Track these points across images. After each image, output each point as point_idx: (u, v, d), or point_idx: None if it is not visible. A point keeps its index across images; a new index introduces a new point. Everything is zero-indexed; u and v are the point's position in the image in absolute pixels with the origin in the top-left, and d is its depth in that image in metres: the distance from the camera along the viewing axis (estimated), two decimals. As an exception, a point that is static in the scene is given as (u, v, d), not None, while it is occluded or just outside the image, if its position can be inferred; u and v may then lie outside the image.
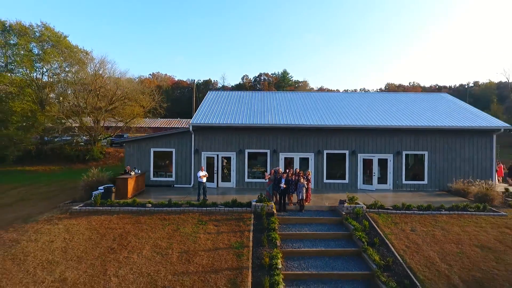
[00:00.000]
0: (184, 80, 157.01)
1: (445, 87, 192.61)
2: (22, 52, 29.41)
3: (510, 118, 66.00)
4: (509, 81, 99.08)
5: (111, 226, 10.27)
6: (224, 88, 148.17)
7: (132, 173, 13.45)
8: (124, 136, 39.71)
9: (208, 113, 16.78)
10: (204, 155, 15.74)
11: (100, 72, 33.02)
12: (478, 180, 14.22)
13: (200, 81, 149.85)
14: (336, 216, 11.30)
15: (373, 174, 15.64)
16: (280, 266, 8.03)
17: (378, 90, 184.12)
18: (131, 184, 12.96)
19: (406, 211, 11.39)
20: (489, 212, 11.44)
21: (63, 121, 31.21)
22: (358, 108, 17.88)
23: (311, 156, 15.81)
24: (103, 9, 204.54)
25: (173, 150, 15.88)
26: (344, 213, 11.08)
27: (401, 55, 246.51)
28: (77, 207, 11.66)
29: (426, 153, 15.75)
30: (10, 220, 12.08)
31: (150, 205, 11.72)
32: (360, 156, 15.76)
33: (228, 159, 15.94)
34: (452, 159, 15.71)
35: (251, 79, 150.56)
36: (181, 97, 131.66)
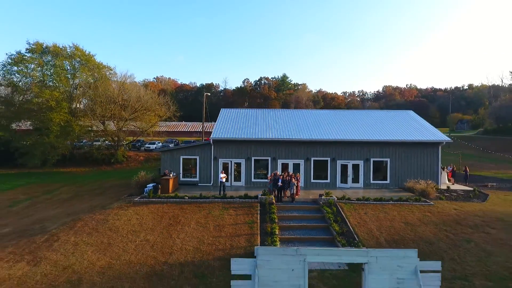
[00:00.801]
0: (187, 83, 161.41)
1: (440, 89, 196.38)
2: (59, 70, 34.41)
3: (495, 122, 71.07)
4: (491, 87, 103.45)
5: (165, 211, 15.37)
6: (225, 91, 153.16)
7: (171, 175, 18.55)
8: (141, 140, 44.80)
9: (223, 129, 21.87)
10: (221, 161, 20.82)
11: (123, 86, 38.05)
12: (425, 180, 19.26)
13: (203, 84, 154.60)
14: (316, 205, 16.37)
15: (348, 175, 20.73)
16: (277, 233, 13.10)
17: (376, 92, 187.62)
18: (171, 183, 18.04)
19: (365, 202, 16.49)
20: (422, 203, 16.53)
21: (91, 127, 36.36)
22: (339, 124, 22.99)
23: (301, 162, 20.89)
24: (104, 11, 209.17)
25: (197, 157, 20.95)
26: (321, 203, 16.15)
27: (398, 58, 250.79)
28: (136, 199, 16.76)
29: (388, 159, 20.84)
30: (88, 209, 17.15)
31: (187, 197, 16.80)
32: (339, 162, 20.85)
33: (239, 164, 21.02)
34: (408, 164, 20.80)
35: (252, 82, 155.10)
36: (185, 100, 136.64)
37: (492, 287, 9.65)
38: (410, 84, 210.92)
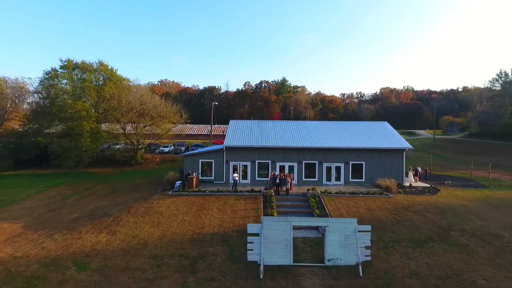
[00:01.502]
0: (190, 86, 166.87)
1: (435, 92, 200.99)
2: (88, 84, 39.88)
3: (478, 126, 76.49)
4: (478, 90, 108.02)
5: (193, 201, 20.86)
6: (227, 93, 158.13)
7: (194, 174, 24.04)
8: (155, 144, 50.17)
9: (232, 138, 27.36)
10: (231, 163, 26.30)
11: (142, 97, 43.55)
12: (390, 179, 24.73)
13: (205, 87, 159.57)
14: (304, 197, 21.84)
15: (332, 175, 26.23)
16: (275, 215, 18.57)
17: (373, 94, 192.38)
18: (194, 181, 23.54)
19: (341, 195, 21.98)
20: (384, 195, 22.02)
21: (115, 132, 41.86)
22: (325, 133, 28.49)
23: (295, 164, 26.37)
24: (107, 14, 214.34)
25: (213, 161, 26.43)
26: (308, 195, 21.62)
27: (396, 60, 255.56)
28: (170, 192, 22.27)
29: (363, 162, 26.33)
30: (133, 200, 22.60)
31: (208, 191, 22.29)
32: (324, 164, 26.34)
33: (246, 166, 26.49)
34: (379, 166, 26.28)
35: (253, 85, 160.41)
36: (188, 102, 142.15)
37: (412, 246, 15.12)
38: (407, 86, 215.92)
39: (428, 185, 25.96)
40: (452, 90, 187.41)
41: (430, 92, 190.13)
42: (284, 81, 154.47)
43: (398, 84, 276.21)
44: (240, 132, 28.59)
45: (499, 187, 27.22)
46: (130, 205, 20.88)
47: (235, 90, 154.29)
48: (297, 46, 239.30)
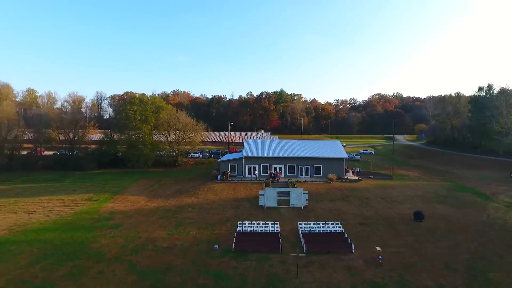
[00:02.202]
0: (199, 96, 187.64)
1: (419, 99, 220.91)
2: (149, 113, 60.19)
3: (431, 134, 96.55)
4: (429, 107, 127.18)
5: (229, 185, 41.20)
6: (231, 101, 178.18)
7: (227, 171, 44.34)
8: (186, 150, 70.31)
9: (248, 151, 47.64)
10: (247, 165, 46.58)
11: (178, 118, 63.83)
12: (335, 174, 44.96)
13: (213, 96, 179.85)
14: (286, 183, 42.14)
15: (303, 172, 46.52)
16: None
17: (364, 101, 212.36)
18: (228, 175, 43.87)
19: (305, 182, 42.33)
20: (328, 183, 42.33)
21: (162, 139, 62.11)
22: (301, 147, 48.79)
23: (283, 166, 46.61)
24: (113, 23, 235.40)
25: (236, 164, 46.70)
26: (288, 182, 41.91)
27: (388, 68, 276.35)
28: (216, 181, 42.67)
29: (321, 165, 46.59)
30: (195, 186, 42.81)
31: (235, 180, 42.62)
32: (299, 166, 46.61)
33: (255, 167, 46.73)
34: (329, 167, 46.50)
35: (254, 95, 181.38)
36: (198, 111, 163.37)
37: (328, 201, 35.26)
38: (396, 93, 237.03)
39: (357, 178, 46.21)
40: (432, 97, 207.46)
41: (414, 100, 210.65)
42: (282, 91, 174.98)
43: (390, 90, 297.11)
44: (251, 148, 48.92)
45: (400, 179, 47.39)
46: (197, 187, 41.18)
47: (238, 97, 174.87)
48: (297, 47, 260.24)
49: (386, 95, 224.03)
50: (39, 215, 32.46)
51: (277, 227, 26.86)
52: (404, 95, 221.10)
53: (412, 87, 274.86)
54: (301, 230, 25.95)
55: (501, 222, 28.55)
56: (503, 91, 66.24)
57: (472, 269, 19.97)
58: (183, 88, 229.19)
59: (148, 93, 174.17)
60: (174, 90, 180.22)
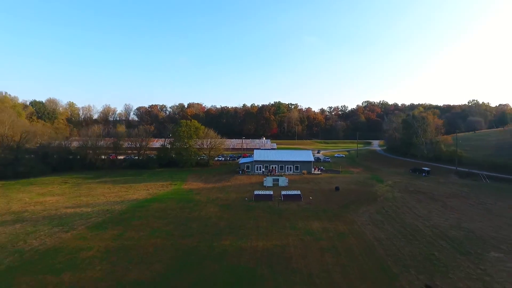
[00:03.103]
0: (210, 107, 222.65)
1: (398, 107, 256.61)
2: (192, 132, 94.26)
3: (388, 142, 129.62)
4: (386, 117, 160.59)
5: (247, 176, 75.16)
6: (238, 111, 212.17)
7: (245, 169, 77.93)
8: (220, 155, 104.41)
9: (257, 156, 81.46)
10: (256, 165, 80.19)
11: (208, 134, 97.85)
12: (306, 170, 78.51)
13: (222, 107, 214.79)
14: (278, 176, 75.80)
15: (288, 169, 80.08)
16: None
17: (351, 110, 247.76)
18: (245, 171, 77.53)
19: (289, 174, 75.98)
20: (301, 175, 75.98)
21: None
22: (286, 154, 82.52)
23: (277, 165, 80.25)
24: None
25: (250, 164, 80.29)
26: (277, 174, 75.56)
27: (375, 79, 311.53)
28: (238, 175, 76.40)
29: (299, 165, 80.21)
30: (226, 177, 76.30)
31: (250, 174, 76.30)
32: (286, 165, 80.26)
33: (260, 166, 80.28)
34: (303, 166, 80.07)
35: (257, 105, 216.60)
36: (210, 121, 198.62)
37: (300, 184, 68.67)
38: (382, 101, 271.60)
39: (319, 173, 79.63)
40: (412, 105, 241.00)
41: (395, 108, 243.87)
42: (279, 103, 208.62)
43: (376, 97, 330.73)
44: (259, 155, 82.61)
45: (345, 173, 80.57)
46: (228, 178, 74.91)
47: (243, 105, 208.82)
48: (296, 50, 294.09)
49: (374, 102, 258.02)
50: (154, 190, 65.80)
51: (271, 192, 60.22)
52: (391, 102, 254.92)
53: (397, 95, 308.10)
54: (282, 193, 59.19)
55: (379, 191, 61.67)
56: (417, 117, 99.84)
57: (347, 205, 53.17)
58: (196, 99, 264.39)
59: (168, 104, 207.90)
60: (189, 103, 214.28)
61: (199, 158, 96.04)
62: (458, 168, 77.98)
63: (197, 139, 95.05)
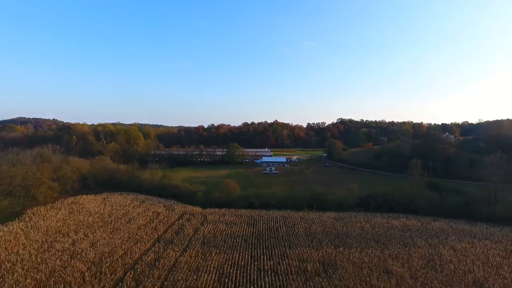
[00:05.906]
0: (233, 125, 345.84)
1: (368, 123, 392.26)
2: (236, 146, 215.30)
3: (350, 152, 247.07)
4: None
5: (261, 168, 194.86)
6: (244, 127, 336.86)
7: (267, 169, 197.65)
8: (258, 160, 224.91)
9: (264, 159, 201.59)
10: (263, 164, 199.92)
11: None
12: (282, 166, 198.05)
13: (240, 124, 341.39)
14: (276, 171, 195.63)
15: (274, 165, 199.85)
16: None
17: (327, 125, 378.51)
18: (271, 172, 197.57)
19: (279, 167, 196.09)
20: (285, 167, 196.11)
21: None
22: (275, 158, 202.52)
23: (271, 163, 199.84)
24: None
25: (261, 163, 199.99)
26: (271, 166, 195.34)
27: (352, 99, 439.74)
28: (256, 167, 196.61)
29: (279, 163, 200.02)
30: (252, 169, 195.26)
31: (269, 173, 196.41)
32: (275, 164, 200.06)
33: (265, 164, 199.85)
34: (281, 164, 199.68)
35: (256, 122, 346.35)
36: (233, 136, 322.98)
37: (286, 174, 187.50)
38: (349, 119, 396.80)
39: (288, 166, 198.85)
40: (392, 122, 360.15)
41: (364, 124, 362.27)
42: (275, 122, 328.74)
43: (353, 115, 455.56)
44: (264, 158, 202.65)
45: (300, 165, 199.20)
46: (252, 167, 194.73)
47: (251, 122, 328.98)
48: (295, 53, 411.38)
49: (345, 120, 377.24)
50: (227, 172, 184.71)
51: (268, 172, 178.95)
52: (357, 119, 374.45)
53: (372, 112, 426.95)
54: (273, 172, 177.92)
55: (304, 171, 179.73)
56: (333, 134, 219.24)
57: (292, 175, 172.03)
58: (220, 121, 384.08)
59: (194, 124, 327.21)
60: (219, 124, 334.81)
61: (238, 160, 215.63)
62: (342, 164, 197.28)
63: (237, 150, 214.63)
